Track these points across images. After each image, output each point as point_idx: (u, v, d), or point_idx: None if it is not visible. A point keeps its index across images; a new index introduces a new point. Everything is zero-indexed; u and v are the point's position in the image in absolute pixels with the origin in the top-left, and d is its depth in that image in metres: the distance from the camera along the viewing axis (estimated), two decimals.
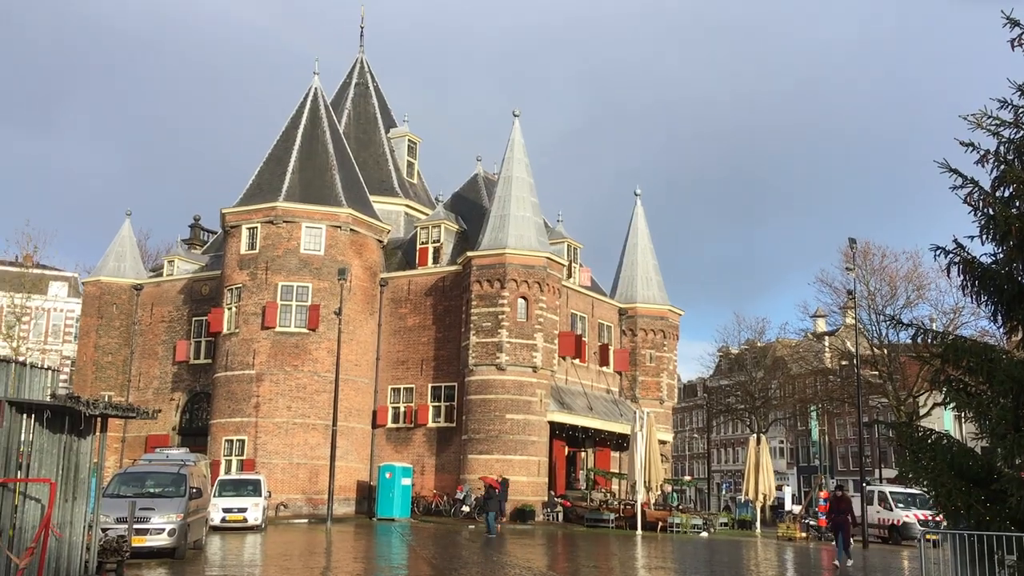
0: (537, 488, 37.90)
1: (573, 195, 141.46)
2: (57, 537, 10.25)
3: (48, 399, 10.44)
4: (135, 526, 16.93)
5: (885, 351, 51.00)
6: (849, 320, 54.63)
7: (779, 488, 44.99)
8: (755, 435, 38.68)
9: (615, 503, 38.03)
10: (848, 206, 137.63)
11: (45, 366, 11.99)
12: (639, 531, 31.72)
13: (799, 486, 70.52)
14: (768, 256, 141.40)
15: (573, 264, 44.64)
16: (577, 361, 42.59)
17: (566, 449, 42.61)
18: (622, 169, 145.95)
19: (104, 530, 13.57)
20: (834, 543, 21.77)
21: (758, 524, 36.62)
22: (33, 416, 9.90)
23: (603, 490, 41.50)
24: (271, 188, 40.78)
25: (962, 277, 12.34)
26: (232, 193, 51.48)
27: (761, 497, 35.26)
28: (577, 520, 36.58)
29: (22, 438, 9.82)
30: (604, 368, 45.10)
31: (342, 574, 16.39)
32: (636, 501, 33.31)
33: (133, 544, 15.74)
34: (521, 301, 38.20)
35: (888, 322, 46.51)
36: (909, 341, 52.12)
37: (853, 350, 45.01)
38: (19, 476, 9.57)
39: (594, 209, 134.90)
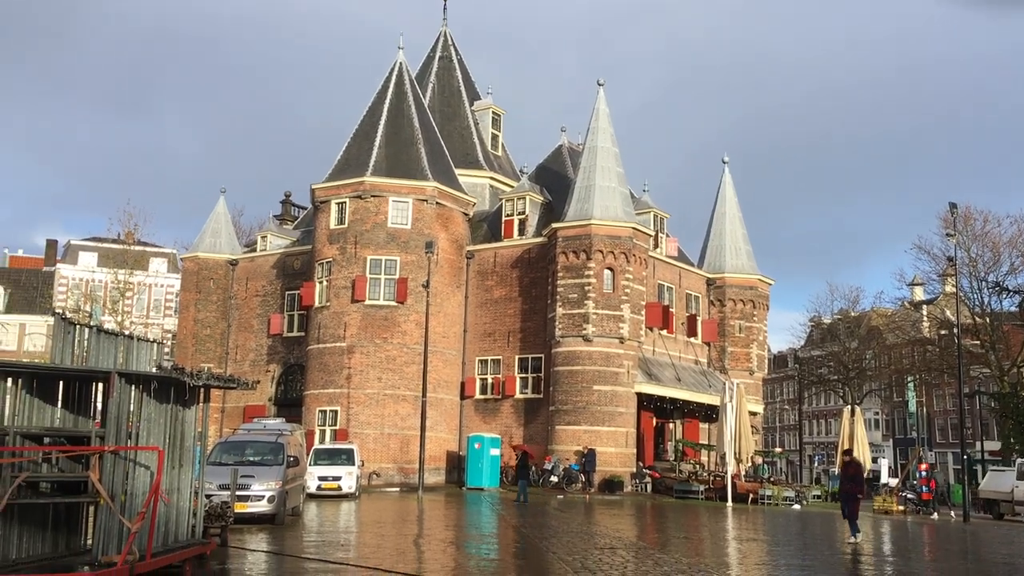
0: (625, 459, 37.85)
1: (659, 165, 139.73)
2: (166, 503, 10.68)
3: (155, 370, 10.86)
4: (237, 493, 17.53)
5: (987, 320, 49.12)
6: (949, 288, 52.77)
7: (875, 461, 43.98)
8: (849, 407, 37.76)
9: (704, 474, 37.73)
10: (948, 170, 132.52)
11: (150, 339, 12.48)
12: (729, 503, 31.42)
13: (895, 459, 68.76)
14: (861, 224, 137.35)
15: (660, 234, 44.16)
16: (664, 332, 42.22)
17: (654, 420, 42.37)
18: (707, 138, 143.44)
19: (208, 496, 14.09)
20: (843, 516, 19.06)
21: None
22: (141, 387, 10.29)
23: (692, 461, 41.21)
24: (358, 163, 41.34)
25: None
26: (322, 168, 52.45)
27: None
28: (666, 491, 36.45)
29: (131, 408, 10.23)
30: (692, 339, 44.60)
31: (435, 541, 16.69)
32: (726, 473, 32.97)
33: (235, 510, 16.29)
34: (607, 272, 38.00)
35: (991, 289, 44.79)
36: (1013, 309, 50.23)
37: (953, 319, 43.44)
38: (130, 444, 9.98)
39: (680, 178, 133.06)
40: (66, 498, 10.39)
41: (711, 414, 41.48)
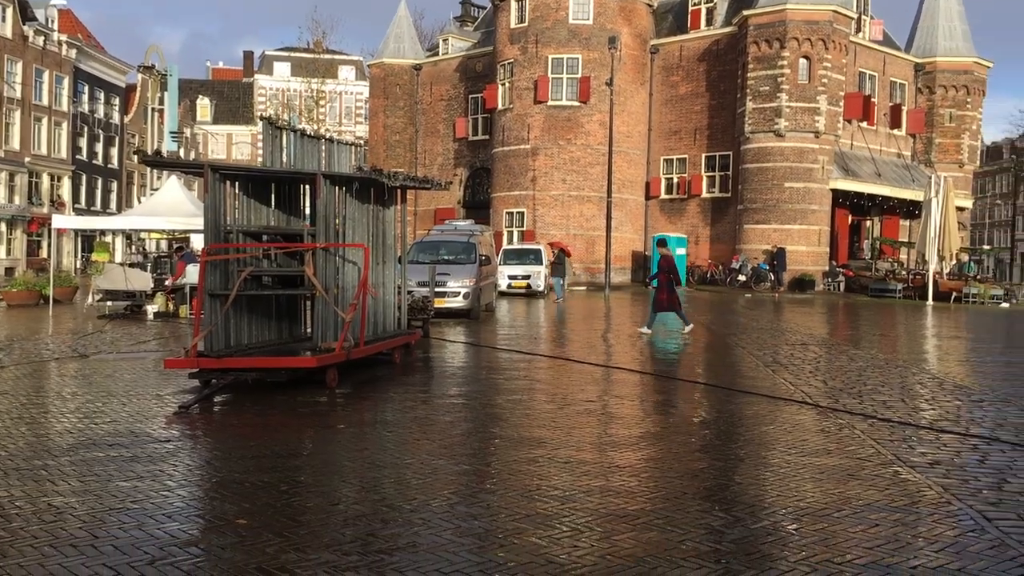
0: (817, 258, 36.86)
1: None
2: (374, 296, 11.42)
3: (355, 172, 11.35)
4: (435, 289, 18.50)
5: None
6: None
7: None
8: None
9: (903, 273, 36.24)
10: None
11: (348, 142, 12.97)
12: (930, 301, 30.20)
13: None
14: None
15: (863, 16, 40.63)
16: (865, 124, 39.70)
17: (850, 218, 40.69)
18: None
19: (409, 292, 14.94)
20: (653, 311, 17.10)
21: None
22: (344, 188, 10.81)
23: (890, 260, 39.60)
24: None
25: None
26: None
27: None
28: (860, 290, 35.42)
29: (336, 209, 10.80)
30: (895, 131, 41.74)
31: (622, 336, 17.12)
32: (927, 270, 31.50)
33: (435, 305, 17.25)
34: (803, 61, 35.66)
35: None
36: None
37: None
38: (338, 242, 10.63)
39: None
40: (286, 290, 11.31)
41: (913, 210, 39.35)
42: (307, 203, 11.75)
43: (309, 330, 11.56)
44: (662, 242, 18.19)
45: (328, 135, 13.86)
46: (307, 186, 11.53)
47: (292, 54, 77.09)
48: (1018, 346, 17.53)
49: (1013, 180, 70.18)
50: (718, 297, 32.02)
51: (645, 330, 16.97)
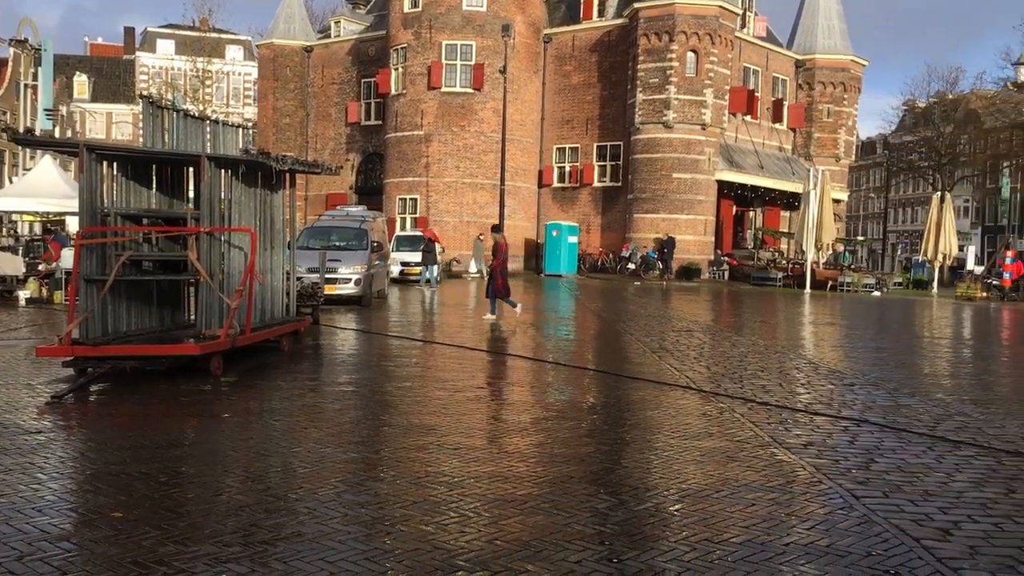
0: (703, 247, 37.91)
1: None
2: (260, 282, 11.17)
3: (241, 155, 11.05)
4: (325, 275, 18.23)
5: None
6: None
7: (961, 249, 43.12)
8: (939, 193, 36.64)
9: (783, 262, 37.67)
10: None
11: (235, 124, 12.62)
12: (807, 290, 31.48)
13: (982, 247, 67.27)
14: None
15: (748, 13, 41.89)
16: (748, 118, 40.97)
17: (734, 208, 41.99)
18: None
19: (298, 279, 14.68)
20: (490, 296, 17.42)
21: (935, 284, 35.52)
22: (229, 171, 10.52)
23: (771, 249, 41.08)
24: None
25: None
26: None
27: (940, 257, 33.98)
28: (743, 279, 36.65)
29: (221, 193, 10.51)
30: (777, 125, 43.24)
31: (514, 323, 17.25)
32: (805, 260, 32.83)
33: (325, 292, 16.99)
34: (691, 55, 36.52)
35: None
36: None
37: None
38: (223, 226, 10.34)
39: None
40: (168, 276, 10.94)
41: (793, 202, 40.88)
42: (191, 186, 11.39)
43: (193, 317, 11.23)
44: (497, 228, 18.34)
45: (214, 116, 13.45)
46: (191, 169, 11.17)
47: (177, 31, 74.41)
48: (888, 332, 18.45)
49: (885, 174, 73.76)
50: (608, 285, 32.60)
51: (489, 316, 17.05)
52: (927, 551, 4.44)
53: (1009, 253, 34.05)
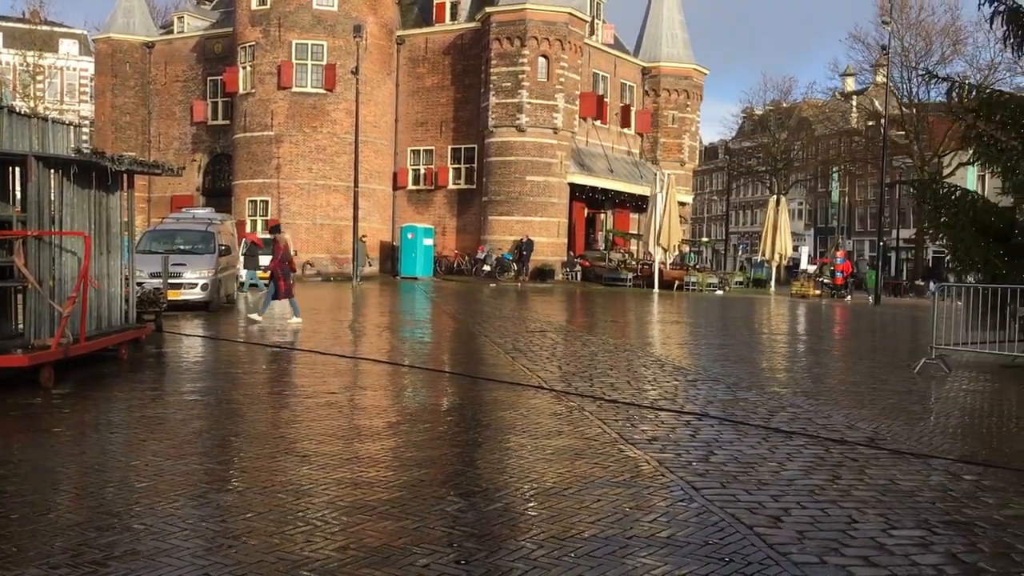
0: (557, 248, 38.60)
1: None
2: (96, 288, 10.60)
3: (73, 155, 10.46)
4: (170, 281, 17.50)
5: (914, 110, 49.92)
6: (880, 79, 53.05)
7: (795, 249, 45.64)
8: (775, 197, 38.68)
9: (633, 263, 38.83)
10: None
11: (67, 122, 11.93)
12: (656, 289, 32.57)
13: (815, 247, 71.45)
14: (801, 12, 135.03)
15: (596, 20, 42.97)
16: (598, 123, 42.00)
17: (586, 211, 42.97)
18: None
19: (140, 284, 14.03)
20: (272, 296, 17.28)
21: (773, 283, 37.47)
22: (60, 172, 9.95)
23: (621, 251, 42.27)
24: None
25: (1005, 27, 11.79)
26: None
27: (777, 257, 35.84)
28: (595, 279, 37.55)
29: (51, 195, 9.93)
30: (625, 130, 44.52)
31: (369, 327, 17.08)
32: (653, 261, 33.96)
33: (169, 297, 16.31)
34: (542, 60, 37.13)
35: (921, 77, 45.01)
36: (939, 99, 50.94)
37: (881, 109, 44.01)
38: (53, 230, 9.77)
39: None
40: None
41: (642, 204, 42.19)
42: (18, 187, 10.69)
43: (22, 326, 10.54)
44: (275, 228, 18.10)
45: (46, 114, 12.68)
46: (17, 169, 10.48)
47: (4, 23, 69.72)
48: (729, 330, 19.32)
49: (726, 178, 77.26)
50: (464, 287, 32.73)
51: (256, 316, 16.81)
52: (759, 538, 4.67)
53: (839, 253, 36.31)
